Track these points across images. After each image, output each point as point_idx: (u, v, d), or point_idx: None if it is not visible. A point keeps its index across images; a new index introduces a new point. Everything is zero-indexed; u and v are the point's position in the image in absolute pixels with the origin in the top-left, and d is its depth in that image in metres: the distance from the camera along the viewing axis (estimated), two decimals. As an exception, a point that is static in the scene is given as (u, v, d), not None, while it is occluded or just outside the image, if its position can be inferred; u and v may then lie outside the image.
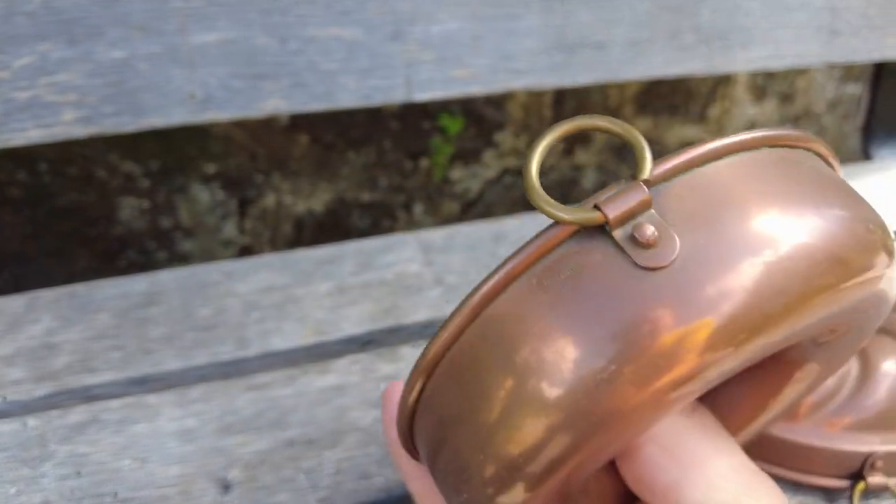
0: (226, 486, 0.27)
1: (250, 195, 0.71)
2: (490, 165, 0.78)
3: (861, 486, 0.25)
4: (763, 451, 0.26)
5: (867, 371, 0.26)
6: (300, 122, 0.69)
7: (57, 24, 0.36)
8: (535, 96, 0.74)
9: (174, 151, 0.66)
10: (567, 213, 0.13)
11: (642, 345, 0.12)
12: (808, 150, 0.15)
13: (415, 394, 0.14)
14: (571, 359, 0.12)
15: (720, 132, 0.80)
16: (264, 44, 0.38)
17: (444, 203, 0.78)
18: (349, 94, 0.40)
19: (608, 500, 0.18)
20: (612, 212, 0.12)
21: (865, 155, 0.56)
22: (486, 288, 0.13)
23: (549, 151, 0.74)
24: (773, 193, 0.13)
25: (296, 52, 0.39)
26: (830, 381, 0.26)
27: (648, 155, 0.13)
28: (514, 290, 0.13)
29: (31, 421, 0.30)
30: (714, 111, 0.80)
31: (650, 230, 0.12)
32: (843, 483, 0.26)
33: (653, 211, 0.13)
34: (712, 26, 0.46)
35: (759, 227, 0.12)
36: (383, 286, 0.38)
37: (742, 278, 0.12)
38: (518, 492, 0.13)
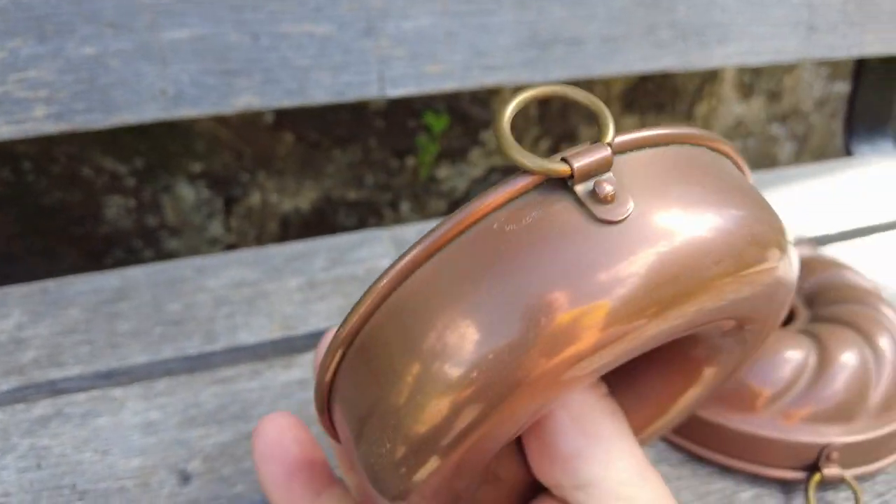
0: (185, 478, 0.27)
1: (236, 194, 0.71)
2: (476, 164, 0.78)
3: (816, 477, 0.25)
4: (720, 442, 0.26)
5: (825, 362, 0.26)
6: (285, 121, 0.69)
7: (27, 21, 0.36)
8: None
9: (159, 150, 0.66)
10: (534, 163, 0.13)
11: (546, 320, 0.12)
12: (719, 151, 0.16)
13: (329, 374, 0.14)
14: (484, 325, 0.12)
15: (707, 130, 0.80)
16: (236, 40, 0.38)
17: (431, 201, 0.78)
18: (322, 90, 0.41)
19: (517, 489, 0.18)
20: (578, 163, 0.13)
21: (847, 151, 0.56)
22: (430, 239, 0.13)
23: (535, 150, 0.74)
24: (679, 191, 0.13)
25: (268, 48, 0.39)
26: (788, 373, 0.26)
27: (611, 122, 0.14)
28: (465, 238, 0.13)
29: (-4, 414, 0.30)
30: (701, 109, 0.80)
31: (609, 188, 0.13)
32: (800, 475, 0.26)
33: (611, 173, 0.13)
34: (688, 22, 0.46)
35: (659, 221, 0.13)
36: (354, 281, 0.38)
37: (636, 266, 0.12)
38: (431, 464, 0.13)
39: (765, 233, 0.14)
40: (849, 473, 0.25)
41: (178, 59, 0.38)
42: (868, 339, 0.26)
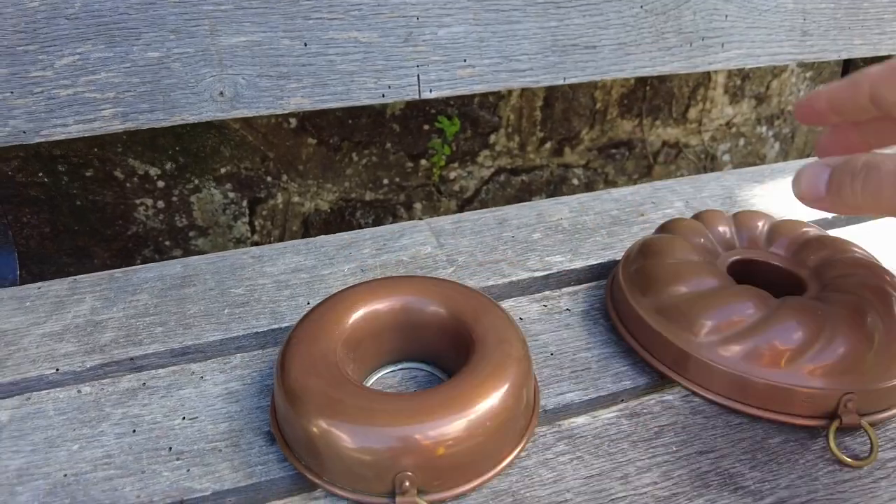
0: (272, 438, 0.30)
1: (260, 195, 0.74)
2: (485, 165, 0.81)
3: (836, 424, 0.28)
4: (749, 395, 0.30)
5: (837, 325, 0.29)
6: (308, 126, 0.72)
7: (97, 27, 0.39)
8: (526, 100, 0.78)
9: (188, 154, 0.69)
10: None
11: None
12: None
13: None
14: None
15: (700, 132, 0.85)
16: (288, 45, 0.42)
17: (443, 201, 0.82)
18: (366, 93, 0.44)
19: None
20: None
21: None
22: None
23: (539, 152, 0.77)
24: None
25: (316, 53, 0.42)
26: (805, 334, 0.29)
27: None
28: None
29: (85, 388, 0.33)
30: (694, 112, 0.84)
31: None
32: (822, 422, 0.29)
33: None
34: (694, 28, 0.50)
35: None
36: (401, 265, 0.41)
37: None
38: None
39: None
40: (865, 420, 0.28)
41: (234, 63, 0.41)
42: (873, 303, 0.30)
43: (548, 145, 0.82)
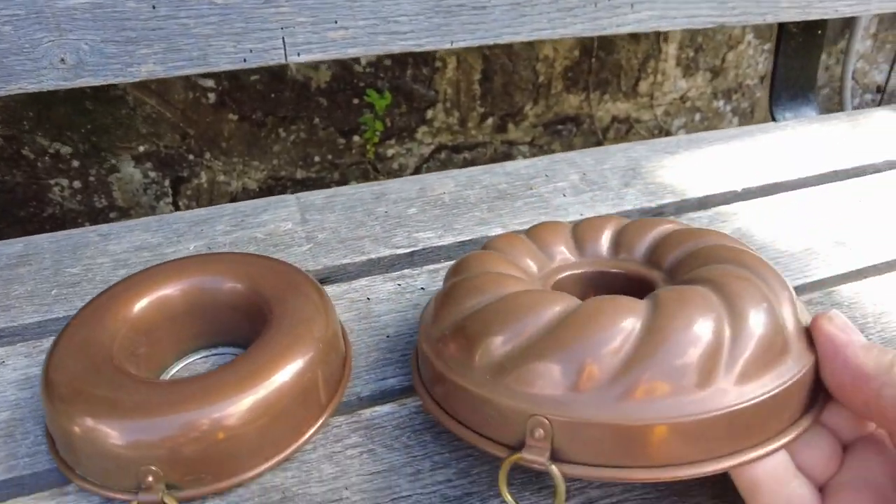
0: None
1: (183, 174, 0.72)
2: (424, 142, 0.78)
3: (513, 458, 0.20)
4: (446, 397, 0.23)
5: (570, 319, 0.22)
6: (227, 101, 0.69)
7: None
8: (463, 72, 0.74)
9: (101, 131, 0.67)
10: None
11: None
12: None
13: None
14: None
15: (652, 106, 0.81)
16: (134, 8, 0.39)
17: (380, 179, 0.79)
18: (226, 58, 0.41)
19: None
20: None
21: (772, 117, 0.57)
22: None
23: (481, 129, 0.74)
24: None
25: (167, 16, 0.39)
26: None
27: None
28: None
29: None
30: (644, 86, 0.80)
31: None
32: (503, 452, 0.21)
33: None
34: (597, -12, 0.46)
35: None
36: (253, 243, 0.38)
37: None
38: None
39: None
40: (560, 468, 0.20)
41: (74, 28, 0.38)
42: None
43: (490, 121, 0.79)
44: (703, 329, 0.20)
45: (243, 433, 0.23)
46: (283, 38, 0.41)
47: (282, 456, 0.25)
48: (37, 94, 0.62)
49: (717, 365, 0.20)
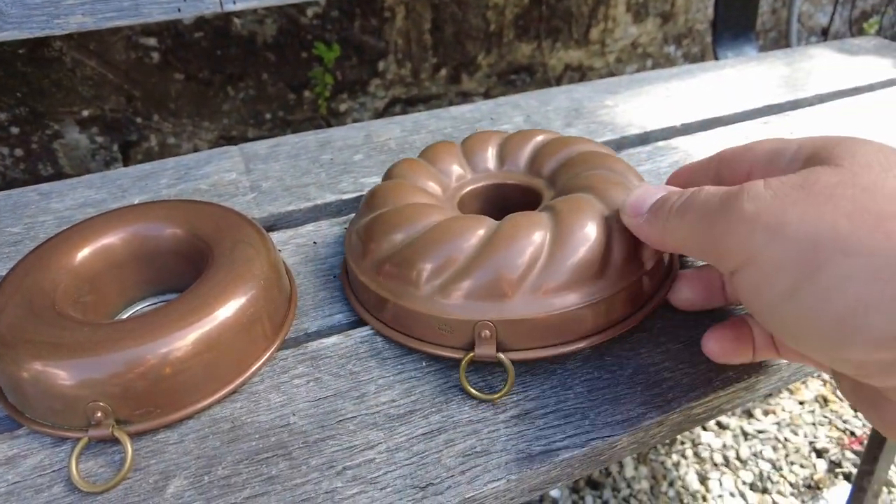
0: None
1: (131, 138, 0.70)
2: (377, 95, 0.78)
3: (469, 356, 0.24)
4: (397, 320, 0.26)
5: (492, 239, 0.25)
6: (172, 60, 0.67)
7: None
8: (413, 22, 0.74)
9: (39, 96, 0.65)
10: None
11: None
12: None
13: None
14: None
15: (604, 54, 0.81)
16: (57, -44, 0.38)
17: (335, 137, 0.78)
18: (158, 7, 0.40)
19: None
20: None
21: (715, 56, 0.58)
22: None
23: (434, 79, 0.73)
24: None
25: (93, -36, 0.38)
26: (448, 250, 0.25)
27: None
28: None
29: None
30: (595, 33, 0.80)
31: None
32: (459, 354, 0.25)
33: None
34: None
35: None
36: (197, 194, 0.38)
37: None
38: None
39: None
40: (504, 355, 0.24)
41: (-4, -22, 0.37)
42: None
43: (443, 72, 0.78)
44: (595, 232, 0.25)
45: (189, 367, 0.24)
46: (216, -15, 0.41)
47: (229, 388, 0.26)
48: (-32, 58, 0.60)
49: (609, 259, 0.25)
